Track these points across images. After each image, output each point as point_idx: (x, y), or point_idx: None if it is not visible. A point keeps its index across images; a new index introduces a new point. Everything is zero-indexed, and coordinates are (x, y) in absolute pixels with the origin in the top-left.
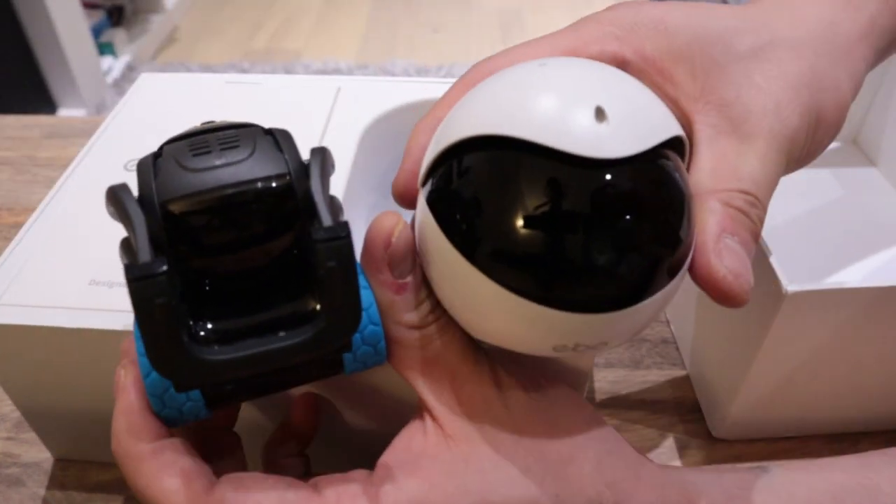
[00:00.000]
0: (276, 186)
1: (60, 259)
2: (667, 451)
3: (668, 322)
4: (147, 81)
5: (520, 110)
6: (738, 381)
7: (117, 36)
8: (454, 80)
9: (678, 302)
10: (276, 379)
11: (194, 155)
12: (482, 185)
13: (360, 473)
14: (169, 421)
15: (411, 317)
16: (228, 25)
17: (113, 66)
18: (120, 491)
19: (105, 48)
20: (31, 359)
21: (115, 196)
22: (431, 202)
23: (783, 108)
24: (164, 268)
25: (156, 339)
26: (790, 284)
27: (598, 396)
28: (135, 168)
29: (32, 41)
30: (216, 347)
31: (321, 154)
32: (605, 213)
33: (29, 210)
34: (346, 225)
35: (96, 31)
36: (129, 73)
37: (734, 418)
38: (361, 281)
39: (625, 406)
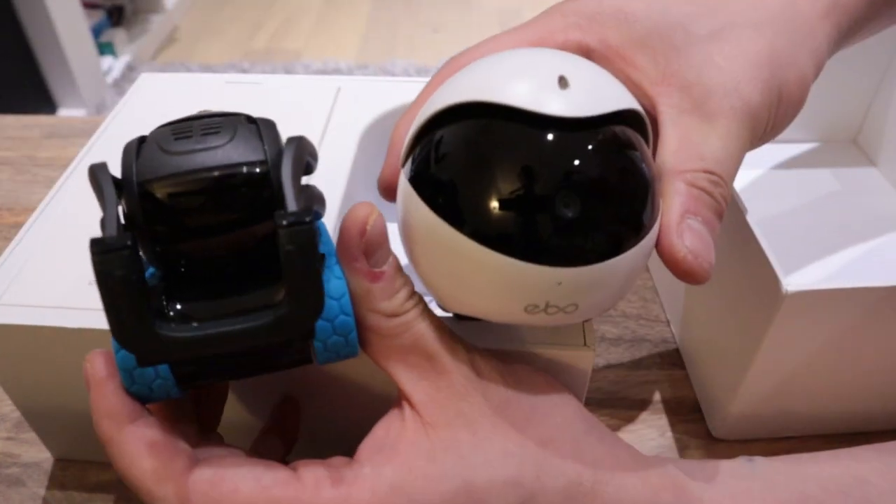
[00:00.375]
0: (252, 172)
1: (60, 259)
2: (667, 451)
3: (668, 322)
4: (147, 81)
5: (489, 81)
6: (737, 381)
7: (117, 36)
8: None
9: (678, 302)
10: (245, 363)
11: (176, 139)
12: (457, 150)
13: (339, 459)
14: (140, 398)
15: (387, 305)
16: (228, 25)
17: (113, 66)
18: (120, 491)
19: (105, 48)
20: (31, 359)
21: (93, 174)
22: (412, 176)
23: (743, 86)
24: (128, 243)
25: (116, 312)
26: (790, 284)
27: (598, 396)
28: None
29: (32, 41)
30: (175, 325)
31: (296, 142)
32: (573, 171)
33: (29, 210)
34: (310, 211)
35: (96, 31)
36: (129, 73)
37: (734, 418)
38: (336, 271)
39: (625, 406)
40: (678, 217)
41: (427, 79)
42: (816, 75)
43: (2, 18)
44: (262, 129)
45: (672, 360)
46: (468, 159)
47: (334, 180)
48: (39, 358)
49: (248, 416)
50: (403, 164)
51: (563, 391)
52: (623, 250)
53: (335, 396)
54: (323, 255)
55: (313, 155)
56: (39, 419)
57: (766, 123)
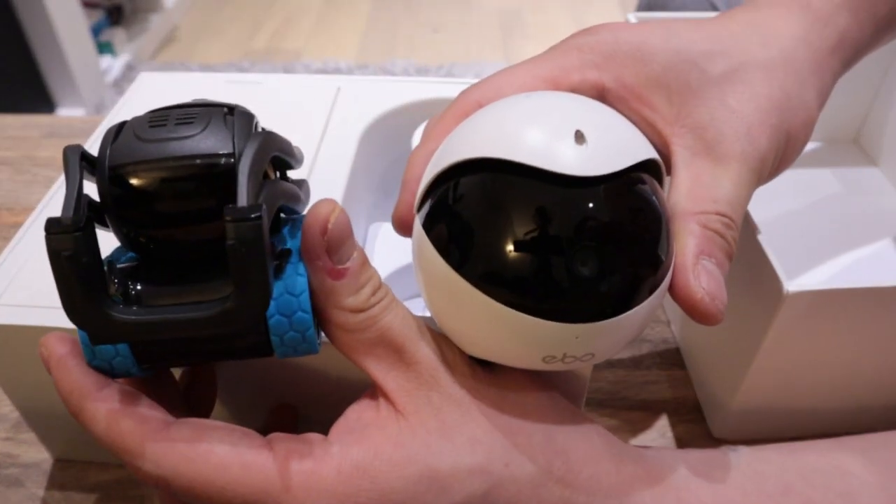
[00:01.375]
0: (216, 163)
1: None
2: (651, 446)
3: (668, 322)
4: (146, 81)
5: (507, 136)
6: (738, 381)
7: (116, 35)
8: (454, 80)
9: None
10: (200, 349)
11: (150, 127)
12: (473, 204)
13: (314, 436)
14: (102, 372)
15: (352, 301)
16: (228, 25)
17: (112, 65)
18: (119, 491)
19: (104, 47)
20: (31, 359)
21: (65, 155)
22: (426, 224)
23: (754, 131)
24: (80, 225)
25: (66, 291)
26: (790, 284)
27: (598, 396)
28: None
29: (31, 40)
30: (123, 307)
31: (260, 137)
32: (589, 228)
33: (28, 210)
34: (259, 207)
35: (95, 31)
36: (129, 73)
37: (734, 418)
38: (300, 268)
39: (625, 406)
40: (693, 258)
41: (427, 79)
42: (820, 111)
43: (1, 18)
44: (236, 121)
45: (672, 360)
46: (482, 216)
47: (334, 180)
48: (39, 358)
49: (243, 423)
50: (419, 209)
51: (535, 378)
52: (640, 301)
53: (332, 403)
54: (289, 251)
55: (286, 151)
56: (38, 419)
57: (771, 165)
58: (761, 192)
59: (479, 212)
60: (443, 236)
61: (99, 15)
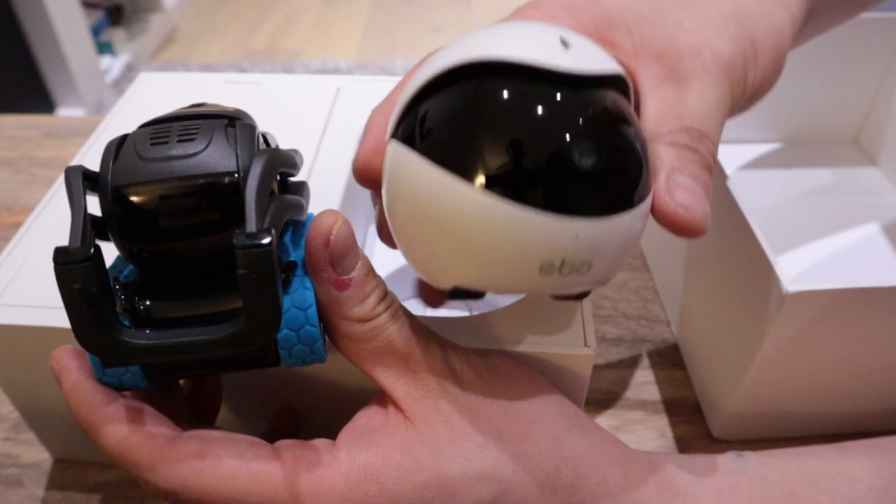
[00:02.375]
0: (220, 183)
1: None
2: (667, 451)
3: (668, 322)
4: (146, 81)
5: (492, 43)
6: (737, 381)
7: (116, 35)
8: None
9: (678, 302)
10: (210, 365)
11: (152, 144)
12: (469, 104)
13: (321, 441)
14: (113, 388)
15: (357, 311)
16: (228, 25)
17: (112, 65)
18: (119, 491)
19: (104, 47)
20: (31, 359)
21: (67, 179)
22: (410, 140)
23: (713, 42)
24: (90, 253)
25: (77, 320)
26: (790, 284)
27: (598, 396)
28: None
29: (31, 40)
30: (135, 331)
31: (265, 157)
32: (588, 121)
33: (28, 210)
34: (268, 232)
35: (95, 31)
36: (129, 73)
37: (734, 418)
38: (307, 281)
39: (625, 406)
40: (664, 178)
41: None
42: (794, 29)
43: (1, 18)
44: (238, 134)
45: (672, 360)
46: (484, 112)
47: (334, 180)
48: (38, 358)
49: (247, 429)
50: (394, 134)
51: (542, 383)
52: (636, 202)
53: (337, 407)
54: (294, 264)
55: (290, 164)
56: (38, 420)
57: (743, 74)
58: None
59: (478, 110)
60: (434, 142)
61: (99, 15)
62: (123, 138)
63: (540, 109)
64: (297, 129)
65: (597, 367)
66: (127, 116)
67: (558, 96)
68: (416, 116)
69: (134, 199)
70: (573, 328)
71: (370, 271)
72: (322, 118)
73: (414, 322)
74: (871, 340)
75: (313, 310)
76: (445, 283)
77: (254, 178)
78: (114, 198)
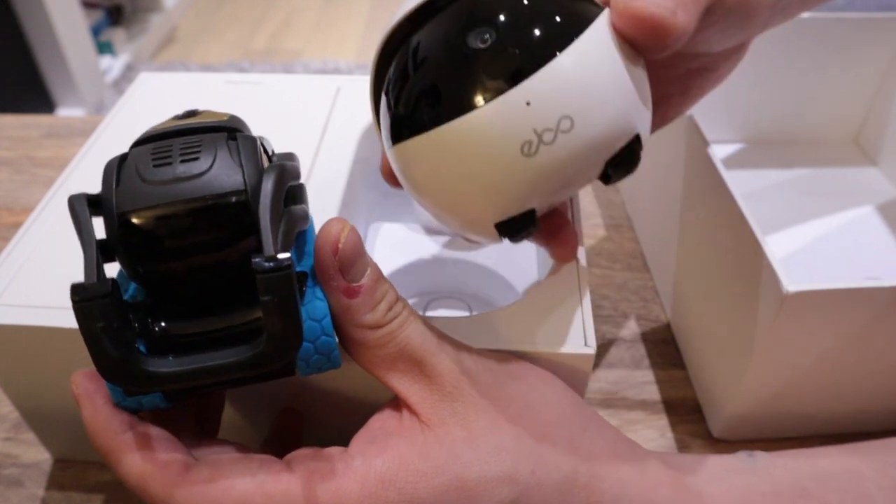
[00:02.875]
0: (230, 202)
1: (60, 259)
2: (667, 451)
3: (668, 322)
4: (146, 81)
5: (396, 12)
6: (737, 381)
7: (116, 35)
8: None
9: (679, 302)
10: (228, 382)
11: (155, 165)
12: (421, 52)
13: (334, 450)
14: (131, 411)
15: (369, 318)
16: (228, 25)
17: (112, 65)
18: (119, 491)
19: (104, 47)
20: (30, 359)
21: (72, 209)
22: (397, 133)
23: None
24: (107, 290)
25: (98, 355)
26: (790, 284)
27: (598, 396)
28: None
29: (31, 40)
30: (157, 360)
31: (274, 174)
32: (476, 14)
33: (28, 210)
34: (287, 256)
35: (95, 31)
36: (129, 73)
37: (734, 419)
38: (318, 292)
39: (625, 406)
40: None
41: None
42: None
43: (1, 18)
44: (241, 151)
45: (672, 360)
46: (413, 72)
47: (334, 180)
48: (38, 358)
49: (250, 427)
50: (387, 140)
51: (557, 384)
52: (572, 38)
53: (339, 406)
54: (305, 275)
55: (295, 176)
56: (38, 419)
57: None
58: (761, 191)
59: (407, 74)
60: (399, 127)
61: (99, 15)
62: (123, 158)
63: (441, 38)
64: (297, 129)
65: (597, 367)
66: (127, 116)
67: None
68: (382, 122)
69: (142, 224)
70: (573, 328)
71: (379, 277)
72: (322, 118)
73: (426, 326)
74: (871, 340)
75: (328, 320)
76: (486, 223)
77: (266, 198)
78: (120, 224)
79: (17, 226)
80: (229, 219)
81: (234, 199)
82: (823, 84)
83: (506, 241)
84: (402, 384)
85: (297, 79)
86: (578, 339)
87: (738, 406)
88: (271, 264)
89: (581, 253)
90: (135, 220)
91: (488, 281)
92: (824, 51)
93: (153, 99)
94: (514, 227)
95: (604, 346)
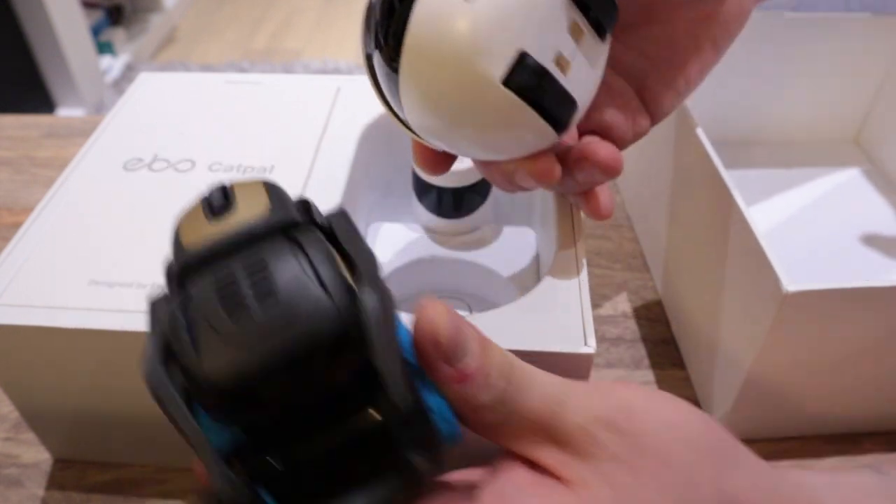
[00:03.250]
0: (328, 342)
1: (60, 259)
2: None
3: (668, 322)
4: (146, 81)
5: None
6: (737, 381)
7: (116, 35)
8: None
9: (679, 302)
10: None
11: (229, 314)
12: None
13: None
14: None
15: (486, 398)
16: (228, 25)
17: (112, 65)
18: (118, 491)
19: (104, 47)
20: (31, 359)
21: (159, 399)
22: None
23: None
24: (255, 499)
25: None
26: (790, 284)
27: None
28: (134, 168)
29: (31, 40)
30: None
31: (379, 303)
32: None
33: (28, 210)
34: (415, 396)
35: (95, 31)
36: (129, 73)
37: (734, 419)
38: (428, 384)
39: None
40: None
41: None
42: None
43: (1, 18)
44: (312, 257)
45: (672, 360)
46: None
47: (334, 180)
48: (38, 358)
49: None
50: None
51: (685, 410)
52: None
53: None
54: (409, 369)
55: (392, 303)
56: (38, 419)
57: None
58: (761, 191)
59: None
60: (385, 46)
61: (99, 15)
62: (184, 306)
63: None
64: (297, 129)
65: (597, 367)
66: (127, 116)
67: None
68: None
69: (238, 391)
70: (573, 328)
71: (486, 348)
72: (322, 118)
73: (545, 381)
74: (871, 340)
75: (445, 407)
76: (493, 85)
77: (380, 346)
78: (215, 393)
79: (17, 226)
80: (328, 354)
81: (330, 335)
82: (823, 84)
83: (541, 122)
84: (532, 449)
85: (297, 79)
86: (578, 338)
87: (737, 406)
88: (410, 423)
89: (581, 253)
90: (229, 389)
91: (488, 281)
92: (824, 51)
93: (153, 99)
94: (520, 78)
95: (604, 346)
